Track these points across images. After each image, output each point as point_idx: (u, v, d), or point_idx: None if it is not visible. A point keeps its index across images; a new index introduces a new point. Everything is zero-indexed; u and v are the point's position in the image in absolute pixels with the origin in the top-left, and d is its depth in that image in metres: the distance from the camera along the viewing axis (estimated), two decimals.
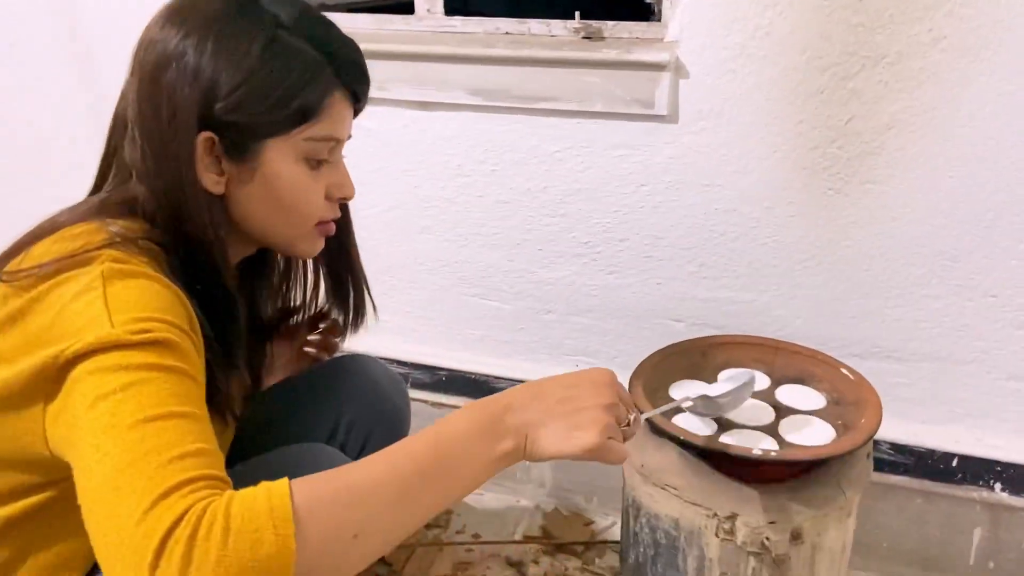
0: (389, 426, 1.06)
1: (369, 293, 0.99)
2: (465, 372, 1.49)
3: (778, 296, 1.27)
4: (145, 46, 0.72)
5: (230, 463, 0.88)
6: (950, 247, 1.16)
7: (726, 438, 0.99)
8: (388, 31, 1.40)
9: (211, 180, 0.73)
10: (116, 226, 0.70)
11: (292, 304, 1.01)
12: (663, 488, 0.99)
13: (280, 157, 0.74)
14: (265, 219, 0.77)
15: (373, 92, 1.33)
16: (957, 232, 1.15)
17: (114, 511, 0.52)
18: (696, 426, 1.00)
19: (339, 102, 0.76)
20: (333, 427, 1.03)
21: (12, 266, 0.68)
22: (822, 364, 1.10)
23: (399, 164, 1.40)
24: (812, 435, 0.99)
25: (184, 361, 0.62)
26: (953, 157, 1.12)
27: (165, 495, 0.52)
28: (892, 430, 1.26)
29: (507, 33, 1.34)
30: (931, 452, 1.26)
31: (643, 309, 1.36)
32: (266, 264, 0.94)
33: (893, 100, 1.12)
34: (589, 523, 1.46)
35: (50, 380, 0.61)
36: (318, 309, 1.02)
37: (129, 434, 0.55)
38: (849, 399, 1.04)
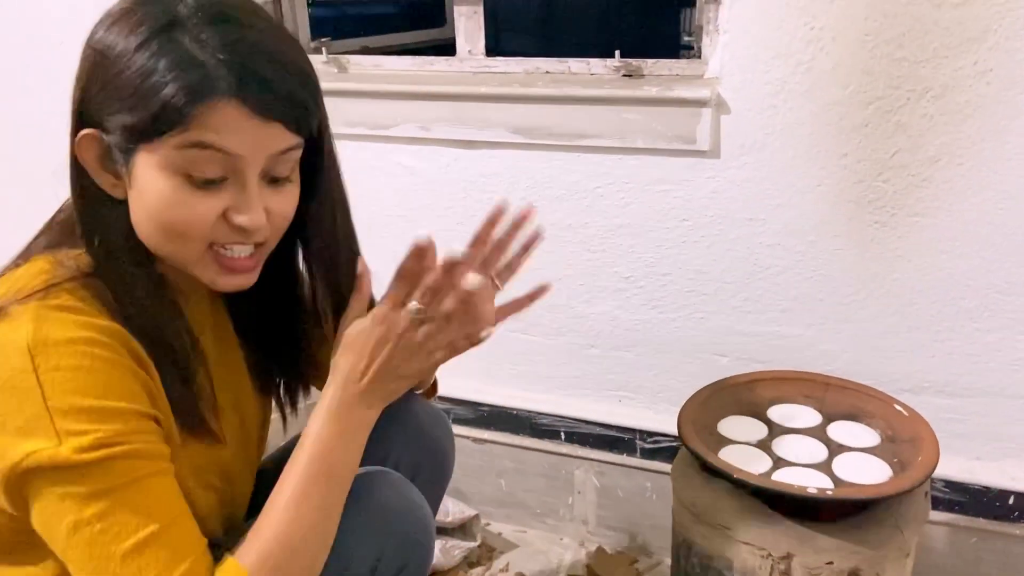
0: (435, 464, 1.04)
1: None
2: (507, 408, 1.48)
3: (824, 330, 1.26)
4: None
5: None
6: (1001, 280, 1.15)
7: (779, 476, 0.97)
8: (430, 72, 1.43)
9: (107, 182, 0.68)
10: (65, 262, 0.68)
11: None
12: (716, 527, 0.97)
13: (149, 166, 0.65)
14: (149, 235, 0.69)
15: (415, 132, 1.39)
16: (1008, 265, 1.14)
17: None
18: (749, 464, 0.98)
19: (223, 110, 0.64)
20: (380, 466, 1.02)
21: None
22: (874, 400, 1.09)
23: (441, 201, 1.42)
24: (868, 473, 0.97)
25: (146, 460, 0.65)
26: (1001, 190, 1.11)
27: None
28: (945, 467, 1.23)
29: (547, 72, 1.36)
30: (986, 489, 1.23)
31: (686, 344, 1.35)
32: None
33: (939, 133, 1.11)
34: (634, 561, 1.44)
35: (6, 484, 0.63)
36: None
37: (118, 571, 0.62)
38: (904, 436, 1.03)
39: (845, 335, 1.25)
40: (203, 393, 0.75)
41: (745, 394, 1.13)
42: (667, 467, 1.39)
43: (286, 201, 0.72)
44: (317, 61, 1.48)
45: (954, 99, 1.10)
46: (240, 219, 0.68)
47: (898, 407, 1.06)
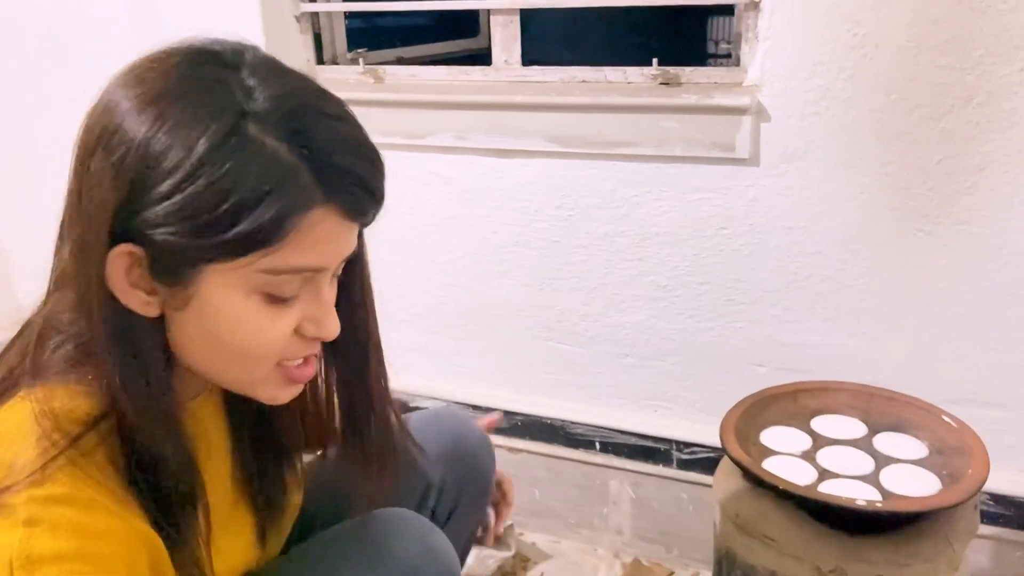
0: (478, 486, 1.00)
1: (406, 434, 0.78)
2: (541, 417, 1.48)
3: (867, 340, 1.24)
4: (87, 113, 0.56)
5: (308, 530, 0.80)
6: None
7: (825, 487, 0.96)
8: (466, 82, 1.43)
9: (138, 300, 0.56)
10: (50, 413, 0.55)
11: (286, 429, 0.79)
12: (761, 539, 0.96)
13: (225, 288, 0.55)
14: (204, 359, 0.60)
15: (451, 142, 1.39)
16: None
17: None
18: (794, 475, 0.97)
19: (321, 223, 0.55)
20: (423, 492, 0.95)
21: None
22: (921, 411, 1.07)
23: (476, 210, 1.42)
24: (916, 485, 0.96)
25: None
26: None
27: None
28: (991, 479, 1.20)
29: (583, 81, 1.36)
30: None
31: (724, 354, 1.34)
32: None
33: (985, 141, 1.10)
34: (670, 573, 1.43)
35: None
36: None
37: None
38: (952, 448, 1.01)
39: (888, 345, 1.24)
40: (202, 551, 0.64)
41: (788, 404, 1.11)
42: (704, 478, 1.38)
43: (335, 294, 0.63)
44: (353, 72, 1.50)
45: (1000, 106, 1.08)
46: (321, 332, 0.61)
47: (946, 418, 1.04)
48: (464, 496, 0.99)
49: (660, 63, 1.30)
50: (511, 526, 1.47)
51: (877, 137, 1.14)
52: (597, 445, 1.45)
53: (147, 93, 0.54)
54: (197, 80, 0.54)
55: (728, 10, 1.52)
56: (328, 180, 0.55)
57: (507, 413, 1.50)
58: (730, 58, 1.32)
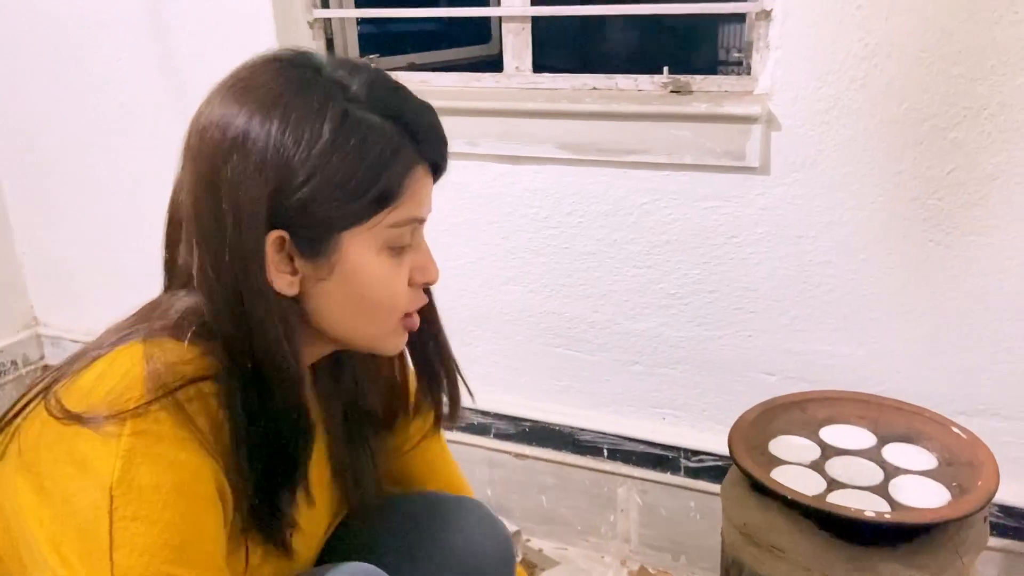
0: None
1: (464, 380, 0.86)
2: (549, 423, 1.48)
3: (876, 350, 1.24)
4: (200, 131, 0.64)
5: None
6: None
7: (834, 497, 0.96)
8: (477, 88, 1.44)
9: (284, 282, 0.65)
10: (161, 359, 0.61)
11: (371, 405, 0.86)
12: (768, 549, 0.96)
13: (361, 249, 0.65)
14: (346, 319, 0.68)
15: (462, 148, 1.40)
16: None
17: None
18: (803, 485, 0.97)
19: (421, 178, 0.67)
20: None
21: (59, 391, 0.62)
22: (930, 422, 1.07)
23: (487, 216, 1.42)
24: (926, 497, 0.95)
25: None
26: None
27: None
28: (1001, 491, 1.20)
29: (594, 88, 1.36)
30: None
31: (733, 362, 1.34)
32: (340, 365, 0.81)
33: (996, 151, 1.10)
34: None
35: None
36: (411, 404, 0.88)
37: None
38: (962, 459, 1.00)
39: (898, 355, 1.23)
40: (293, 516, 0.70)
41: (796, 414, 1.11)
42: (711, 486, 1.37)
43: None
44: None
45: (1012, 117, 1.08)
46: (428, 277, 0.70)
47: (956, 430, 1.04)
48: None
49: (671, 71, 1.30)
50: (518, 532, 1.48)
51: (888, 147, 1.14)
52: (605, 452, 1.45)
53: (262, 100, 0.62)
54: (299, 82, 0.63)
55: (739, 17, 1.52)
56: (421, 143, 0.66)
57: (515, 419, 1.50)
58: (741, 65, 1.32)
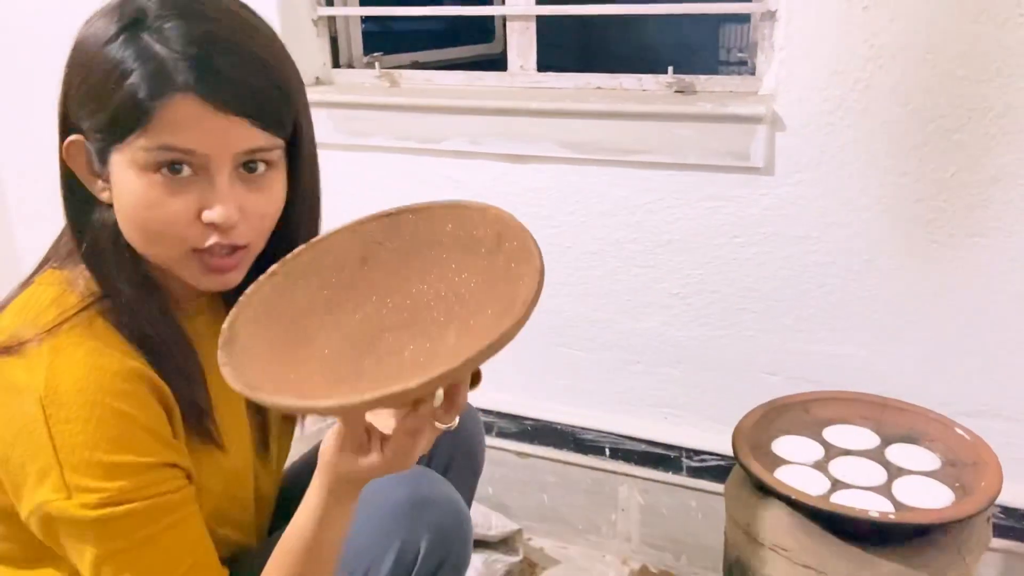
0: (467, 454, 1.04)
1: None
2: (551, 422, 1.48)
3: (879, 351, 1.24)
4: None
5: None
6: None
7: (837, 498, 0.96)
8: (481, 87, 1.44)
9: (97, 187, 0.69)
10: (75, 283, 0.69)
11: None
12: (772, 548, 0.96)
13: (123, 166, 0.66)
14: (132, 236, 0.69)
15: (465, 146, 1.39)
16: None
17: None
18: (806, 485, 0.97)
19: (182, 105, 0.63)
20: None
21: None
22: (934, 423, 1.07)
23: None
24: (929, 497, 0.96)
25: (158, 514, 0.66)
26: None
27: None
28: (1004, 492, 1.20)
29: (598, 88, 1.36)
30: None
31: (735, 362, 1.34)
32: None
33: (1001, 153, 1.10)
34: None
35: (33, 523, 0.66)
36: None
37: None
38: (965, 460, 1.01)
39: (900, 356, 1.23)
40: (205, 404, 0.75)
41: (800, 414, 1.11)
42: (713, 486, 1.37)
43: (263, 201, 0.70)
44: (370, 76, 1.50)
45: (1016, 119, 1.08)
46: (210, 214, 0.67)
47: (959, 431, 1.04)
48: (454, 464, 1.00)
49: (675, 71, 1.30)
50: (519, 530, 1.48)
51: (892, 148, 1.14)
52: (607, 451, 1.45)
53: (96, 13, 0.67)
54: (109, 4, 0.67)
55: (742, 17, 1.52)
56: (192, 71, 0.63)
57: (517, 418, 1.50)
58: (744, 65, 1.32)
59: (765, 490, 0.98)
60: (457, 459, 1.03)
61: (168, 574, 0.67)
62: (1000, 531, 1.22)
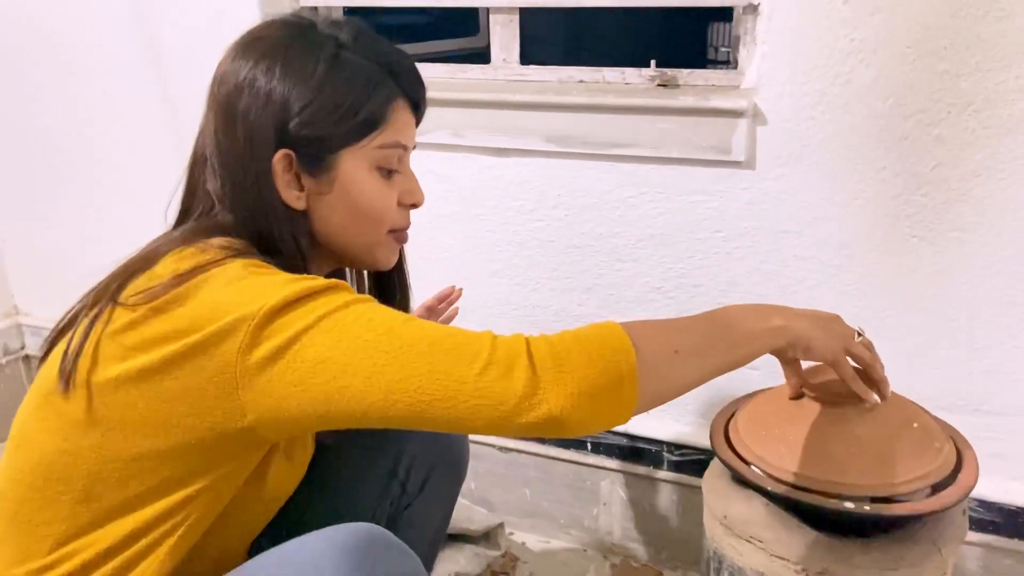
0: (450, 463, 1.06)
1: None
2: None
3: None
4: (219, 80, 0.77)
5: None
6: None
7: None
8: (464, 80, 1.43)
9: (293, 196, 0.77)
10: (218, 246, 0.74)
11: None
12: (748, 540, 0.96)
13: (354, 166, 0.78)
14: (345, 228, 0.80)
15: (448, 139, 1.39)
16: None
17: (451, 371, 0.65)
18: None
19: (402, 110, 0.80)
20: (394, 464, 1.02)
21: (136, 288, 0.71)
22: None
23: (472, 209, 1.42)
24: None
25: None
26: None
27: (494, 348, 0.69)
28: (980, 486, 1.20)
29: (581, 81, 1.36)
30: (1021, 510, 1.21)
31: None
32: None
33: (980, 147, 1.10)
34: (659, 575, 1.43)
35: (239, 351, 0.65)
36: None
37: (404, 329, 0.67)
38: None
39: (880, 350, 1.23)
40: None
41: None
42: (694, 480, 1.38)
43: None
44: None
45: (996, 113, 1.08)
46: (416, 197, 0.85)
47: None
48: (435, 473, 1.03)
49: (660, 65, 1.30)
50: (501, 525, 1.47)
51: (873, 142, 1.15)
52: (588, 446, 1.45)
53: (265, 50, 0.76)
54: (297, 33, 0.77)
55: (728, 16, 1.53)
56: (401, 81, 0.80)
57: None
58: (729, 64, 1.32)
59: (742, 482, 0.98)
60: (440, 467, 1.04)
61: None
62: (979, 525, 1.23)
